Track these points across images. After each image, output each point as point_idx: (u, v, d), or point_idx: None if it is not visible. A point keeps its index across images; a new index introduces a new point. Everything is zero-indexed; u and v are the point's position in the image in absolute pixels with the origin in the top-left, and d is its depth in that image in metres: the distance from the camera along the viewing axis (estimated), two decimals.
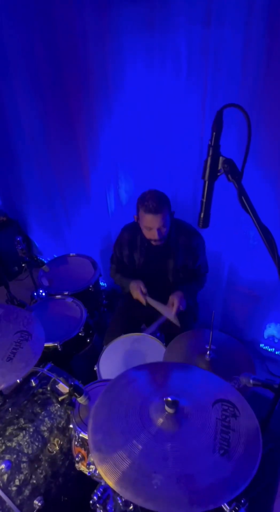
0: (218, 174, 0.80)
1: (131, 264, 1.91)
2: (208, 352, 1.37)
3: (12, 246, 2.26)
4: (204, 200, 0.85)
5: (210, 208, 0.87)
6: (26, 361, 1.34)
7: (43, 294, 2.24)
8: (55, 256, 2.86)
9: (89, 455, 1.24)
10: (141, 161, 2.16)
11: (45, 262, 3.31)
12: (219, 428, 0.88)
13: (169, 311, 1.76)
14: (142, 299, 1.79)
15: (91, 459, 1.23)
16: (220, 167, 0.79)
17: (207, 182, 0.82)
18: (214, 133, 0.77)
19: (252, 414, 0.95)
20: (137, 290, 1.79)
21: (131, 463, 0.82)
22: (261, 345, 2.41)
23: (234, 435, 0.87)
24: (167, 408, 0.91)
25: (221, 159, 0.78)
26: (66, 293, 2.14)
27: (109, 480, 0.79)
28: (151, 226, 1.63)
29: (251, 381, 1.10)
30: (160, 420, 0.91)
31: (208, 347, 1.37)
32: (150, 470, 0.79)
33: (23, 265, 2.30)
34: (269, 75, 1.56)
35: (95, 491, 1.14)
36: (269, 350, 2.39)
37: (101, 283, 2.94)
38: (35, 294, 2.48)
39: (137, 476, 0.79)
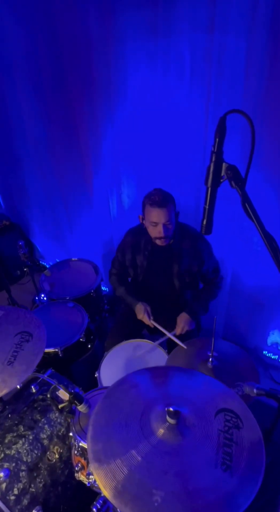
0: (221, 180, 0.79)
1: (133, 269, 1.89)
2: (210, 360, 1.35)
3: (14, 250, 2.26)
4: (207, 207, 0.84)
5: (213, 214, 0.86)
6: (27, 363, 1.31)
7: (45, 298, 2.23)
8: (58, 260, 2.86)
9: (89, 465, 1.22)
10: (143, 166, 2.16)
11: (47, 266, 3.30)
12: (222, 441, 0.85)
13: (173, 333, 1.73)
14: (148, 323, 1.77)
15: (91, 469, 1.20)
16: (223, 173, 0.77)
17: (209, 189, 0.81)
18: (217, 139, 0.76)
19: (256, 425, 0.93)
20: (143, 313, 1.78)
21: (131, 477, 0.80)
22: (264, 352, 2.38)
23: (237, 448, 0.85)
24: (168, 418, 0.88)
25: (224, 165, 0.77)
26: (67, 297, 2.13)
27: (108, 494, 0.77)
28: (157, 220, 1.61)
29: (255, 390, 1.08)
30: (161, 431, 0.89)
31: (210, 354, 1.35)
32: (150, 485, 0.77)
33: (25, 269, 2.29)
34: (272, 81, 1.56)
35: (94, 502, 1.12)
36: (273, 357, 2.36)
37: (103, 288, 2.93)
38: (37, 298, 2.47)
39: (137, 491, 0.76)
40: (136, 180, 2.27)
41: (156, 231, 1.65)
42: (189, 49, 1.70)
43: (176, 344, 1.58)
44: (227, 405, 0.97)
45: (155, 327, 1.77)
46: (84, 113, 2.20)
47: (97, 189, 2.48)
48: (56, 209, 2.87)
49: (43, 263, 3.43)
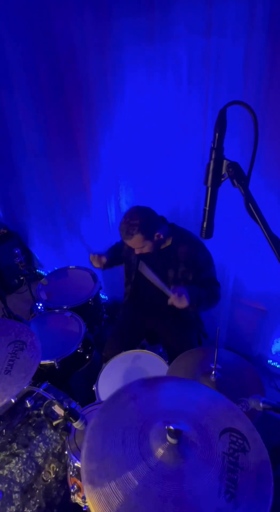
0: (222, 179, 0.74)
1: (127, 263, 1.86)
2: (213, 372, 1.28)
3: (12, 259, 2.21)
4: (207, 208, 0.79)
5: (213, 217, 0.80)
6: (25, 371, 1.29)
7: (42, 308, 2.17)
8: (56, 268, 2.81)
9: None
10: (141, 172, 2.13)
11: (45, 275, 3.25)
12: (226, 466, 0.78)
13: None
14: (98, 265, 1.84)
15: (85, 492, 1.13)
16: (224, 171, 0.72)
17: (209, 189, 0.76)
18: (217, 134, 0.71)
19: (263, 449, 0.85)
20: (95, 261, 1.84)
21: (127, 504, 0.72)
22: (269, 361, 2.31)
23: (242, 474, 0.77)
24: (168, 438, 0.81)
25: (225, 162, 0.72)
26: (65, 307, 2.07)
27: None
28: (128, 246, 1.65)
29: (261, 404, 1.01)
30: (160, 451, 0.81)
31: (213, 366, 1.28)
32: None
33: (22, 278, 2.24)
34: (272, 85, 1.53)
35: None
36: (278, 366, 2.29)
37: (102, 296, 2.87)
38: (33, 308, 2.41)
39: None
40: (135, 185, 2.24)
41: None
42: (186, 54, 1.68)
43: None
44: (233, 424, 0.90)
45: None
46: (82, 121, 2.19)
47: (95, 196, 2.45)
48: (55, 217, 2.84)
49: (42, 271, 3.38)
